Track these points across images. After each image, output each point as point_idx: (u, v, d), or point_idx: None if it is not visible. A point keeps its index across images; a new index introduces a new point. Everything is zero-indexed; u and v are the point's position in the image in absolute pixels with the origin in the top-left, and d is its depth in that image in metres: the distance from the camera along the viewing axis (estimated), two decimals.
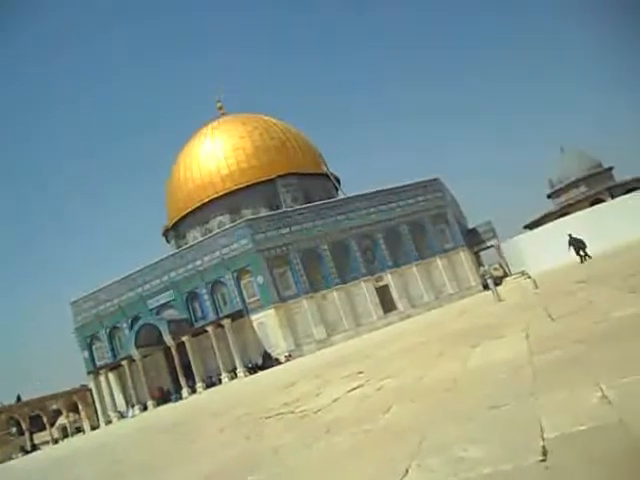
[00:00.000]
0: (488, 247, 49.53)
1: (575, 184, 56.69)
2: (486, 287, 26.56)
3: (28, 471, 19.74)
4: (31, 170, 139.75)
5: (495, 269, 45.70)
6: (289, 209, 43.61)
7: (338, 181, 53.38)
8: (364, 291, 40.33)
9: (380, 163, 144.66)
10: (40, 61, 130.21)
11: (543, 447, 2.66)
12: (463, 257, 44.13)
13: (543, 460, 2.49)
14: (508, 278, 21.21)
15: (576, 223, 35.03)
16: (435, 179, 46.46)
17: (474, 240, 49.11)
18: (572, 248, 26.48)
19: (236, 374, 36.76)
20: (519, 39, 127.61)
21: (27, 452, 45.90)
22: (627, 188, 48.90)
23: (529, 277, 18.23)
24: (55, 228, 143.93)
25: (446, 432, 3.69)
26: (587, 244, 26.57)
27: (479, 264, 45.73)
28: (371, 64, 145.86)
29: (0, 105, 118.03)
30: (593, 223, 33.43)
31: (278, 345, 37.08)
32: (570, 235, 26.99)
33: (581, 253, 26.35)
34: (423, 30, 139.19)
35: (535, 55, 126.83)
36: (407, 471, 3.06)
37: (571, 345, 5.13)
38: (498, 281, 23.60)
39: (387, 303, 40.60)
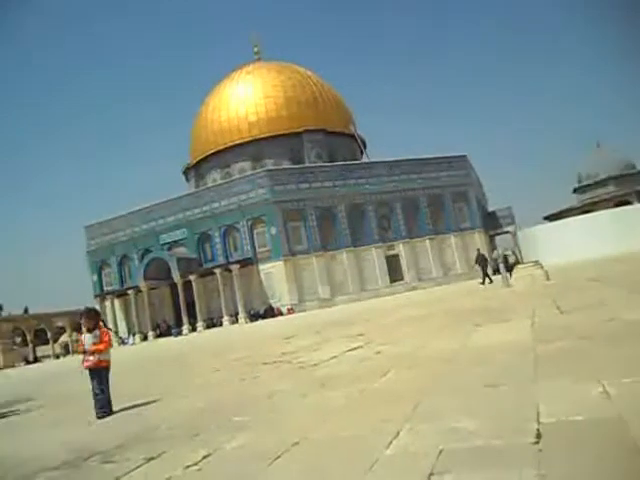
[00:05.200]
0: (504, 232, 49.07)
1: (604, 182, 55.50)
2: (497, 271, 26.33)
3: (27, 379, 20.54)
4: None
5: (508, 255, 45.32)
6: (312, 165, 43.35)
7: (364, 144, 52.71)
8: (374, 257, 40.43)
9: (409, 130, 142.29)
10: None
11: (537, 430, 2.68)
12: (478, 239, 43.79)
13: (536, 442, 2.52)
14: (520, 266, 20.97)
15: (598, 221, 34.43)
16: (462, 156, 45.67)
17: (491, 223, 48.62)
18: (479, 266, 24.54)
19: (237, 319, 37.49)
20: (560, 26, 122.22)
21: (29, 362, 47.62)
22: None
23: (542, 268, 18.03)
24: (76, 158, 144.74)
25: (441, 402, 3.73)
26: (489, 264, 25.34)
27: (492, 247, 45.40)
28: (415, 30, 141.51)
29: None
30: (615, 224, 32.80)
31: (282, 297, 37.61)
32: (478, 250, 26.96)
33: (488, 272, 24.22)
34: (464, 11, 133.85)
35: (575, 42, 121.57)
36: (398, 433, 3.11)
37: (577, 339, 5.12)
38: (511, 267, 23.36)
39: (395, 272, 40.72)
